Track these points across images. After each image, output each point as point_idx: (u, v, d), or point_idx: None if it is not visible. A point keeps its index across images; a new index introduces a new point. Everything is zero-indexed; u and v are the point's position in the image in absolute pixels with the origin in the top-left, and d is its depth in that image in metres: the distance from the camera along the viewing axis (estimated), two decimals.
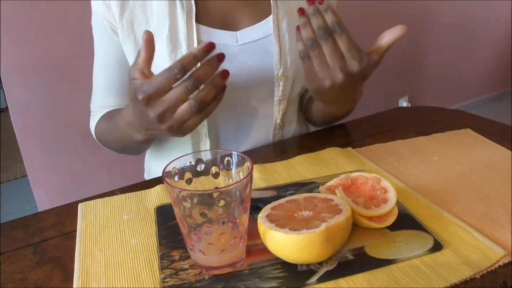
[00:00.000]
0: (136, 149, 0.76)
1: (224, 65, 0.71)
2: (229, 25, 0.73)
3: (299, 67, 0.76)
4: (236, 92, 0.74)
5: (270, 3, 0.74)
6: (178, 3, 0.69)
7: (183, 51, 0.69)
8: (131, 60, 0.73)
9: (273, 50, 0.73)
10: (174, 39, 0.69)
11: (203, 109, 0.55)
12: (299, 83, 0.78)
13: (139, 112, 0.57)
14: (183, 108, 0.54)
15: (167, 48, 0.69)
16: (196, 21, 0.70)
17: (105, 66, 0.77)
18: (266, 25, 0.74)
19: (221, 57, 0.54)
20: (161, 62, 0.70)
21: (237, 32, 0.73)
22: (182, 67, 0.52)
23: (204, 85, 0.54)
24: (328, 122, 0.82)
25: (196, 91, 0.54)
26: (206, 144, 0.75)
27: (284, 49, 0.74)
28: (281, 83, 0.75)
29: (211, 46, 0.53)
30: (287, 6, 0.74)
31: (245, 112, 0.77)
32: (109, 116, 0.75)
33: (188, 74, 0.53)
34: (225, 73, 0.55)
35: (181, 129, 0.56)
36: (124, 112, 0.65)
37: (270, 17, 0.73)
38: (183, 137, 0.76)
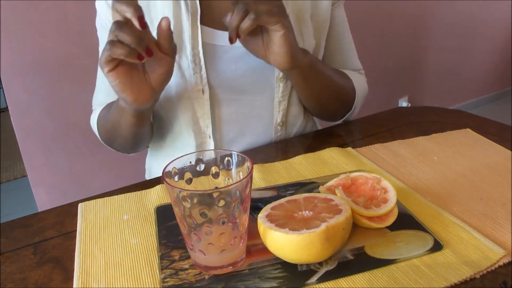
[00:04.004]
0: (126, 126, 0.70)
1: (229, 67, 0.72)
2: None
3: None
4: (240, 93, 0.74)
5: None
6: (183, 4, 0.69)
7: (187, 53, 0.69)
8: None
9: None
10: (179, 41, 0.69)
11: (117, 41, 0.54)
12: None
13: None
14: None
15: None
16: (201, 22, 0.70)
17: None
18: None
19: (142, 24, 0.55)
20: None
21: None
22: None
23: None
24: (310, 98, 0.79)
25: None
26: (210, 146, 0.75)
27: None
28: (280, 85, 0.75)
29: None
30: (291, 5, 0.73)
31: (249, 113, 0.77)
32: (109, 106, 0.75)
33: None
34: (148, 53, 0.55)
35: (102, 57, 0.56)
36: None
37: None
38: (187, 139, 0.76)
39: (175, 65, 0.69)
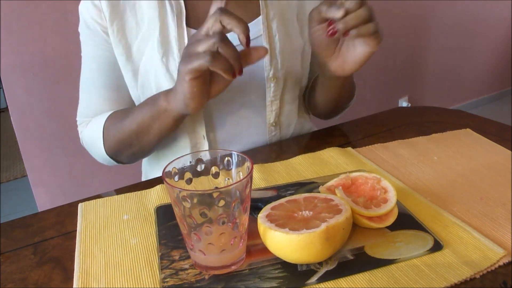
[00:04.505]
0: (160, 129, 0.69)
1: None
2: None
3: (290, 68, 0.75)
4: (230, 94, 0.74)
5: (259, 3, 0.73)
6: (168, 6, 0.69)
7: (174, 55, 0.69)
8: (122, 66, 0.72)
9: None
10: (165, 43, 0.69)
11: (218, 53, 0.54)
12: (292, 83, 0.78)
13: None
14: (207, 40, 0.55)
15: (158, 52, 0.68)
16: (186, 24, 0.70)
17: (98, 70, 0.74)
18: (257, 26, 0.73)
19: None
20: (153, 67, 0.69)
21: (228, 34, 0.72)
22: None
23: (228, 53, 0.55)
24: (335, 100, 0.79)
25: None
26: (204, 146, 0.75)
27: (274, 51, 0.73)
28: (271, 85, 0.75)
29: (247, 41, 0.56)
30: (277, 6, 0.73)
31: (241, 114, 0.77)
32: (123, 111, 0.74)
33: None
34: (240, 71, 0.57)
35: (188, 58, 0.56)
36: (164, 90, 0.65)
37: (260, 18, 0.73)
38: (181, 140, 0.76)
39: (163, 68, 0.69)
